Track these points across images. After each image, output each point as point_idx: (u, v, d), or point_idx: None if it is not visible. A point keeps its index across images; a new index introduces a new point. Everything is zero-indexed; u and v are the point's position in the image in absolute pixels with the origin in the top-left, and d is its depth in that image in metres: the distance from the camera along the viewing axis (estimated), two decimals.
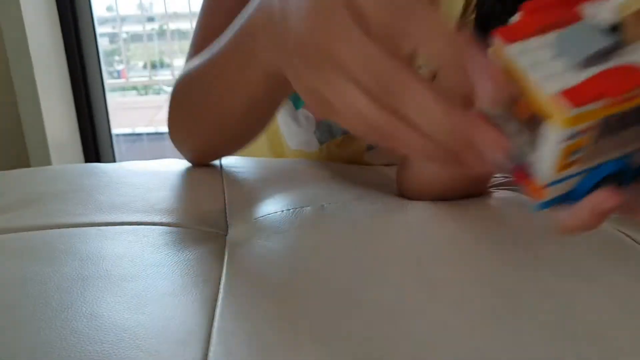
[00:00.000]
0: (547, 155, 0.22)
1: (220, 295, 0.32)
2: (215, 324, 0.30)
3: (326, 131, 0.64)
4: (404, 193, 0.48)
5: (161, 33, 2.44)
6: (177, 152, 0.52)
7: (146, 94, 3.20)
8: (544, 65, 0.21)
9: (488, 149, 0.23)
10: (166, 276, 0.35)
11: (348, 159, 0.64)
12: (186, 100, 0.47)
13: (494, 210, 0.43)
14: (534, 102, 0.21)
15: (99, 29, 1.58)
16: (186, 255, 0.37)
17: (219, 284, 0.34)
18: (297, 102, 0.63)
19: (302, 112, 0.63)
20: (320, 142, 0.65)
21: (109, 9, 2.26)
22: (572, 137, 0.21)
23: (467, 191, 0.45)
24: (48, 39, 1.44)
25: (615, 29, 0.21)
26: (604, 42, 0.21)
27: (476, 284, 0.33)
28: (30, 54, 1.32)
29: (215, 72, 0.43)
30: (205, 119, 0.46)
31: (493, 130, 0.23)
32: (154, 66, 2.73)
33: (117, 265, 0.36)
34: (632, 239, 0.38)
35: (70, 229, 0.40)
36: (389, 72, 0.24)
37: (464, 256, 0.37)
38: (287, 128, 0.64)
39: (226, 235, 0.42)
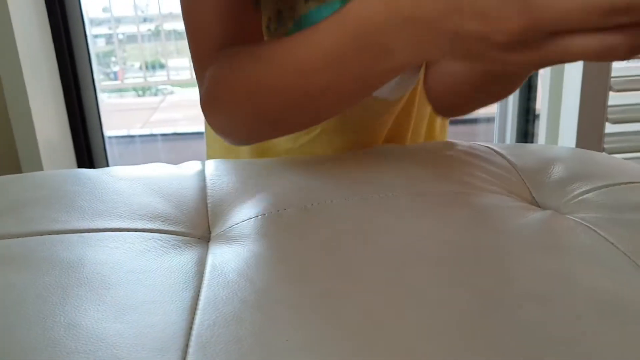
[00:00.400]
0: None
1: (201, 303, 0.32)
2: (194, 331, 0.30)
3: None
4: (432, 94, 0.47)
5: (157, 34, 2.44)
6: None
7: (143, 94, 3.20)
8: None
9: None
10: (147, 283, 0.34)
11: None
12: (264, 99, 0.47)
13: (479, 212, 0.43)
14: None
15: (96, 30, 1.58)
16: (168, 262, 0.37)
17: (200, 291, 0.34)
18: None
19: None
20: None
21: (104, 10, 2.25)
22: None
23: (495, 93, 0.45)
24: (37, 40, 1.43)
25: None
26: None
27: (457, 286, 0.33)
28: (18, 55, 1.31)
29: (327, 75, 0.42)
30: (297, 112, 0.46)
31: None
32: (151, 67, 2.72)
33: (97, 273, 0.35)
34: (615, 245, 0.38)
35: (52, 236, 0.40)
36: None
37: (445, 258, 0.37)
38: None
39: (209, 240, 0.41)
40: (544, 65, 0.33)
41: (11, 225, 0.41)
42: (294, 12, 0.58)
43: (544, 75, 1.46)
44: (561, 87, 1.36)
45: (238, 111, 0.50)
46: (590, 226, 0.40)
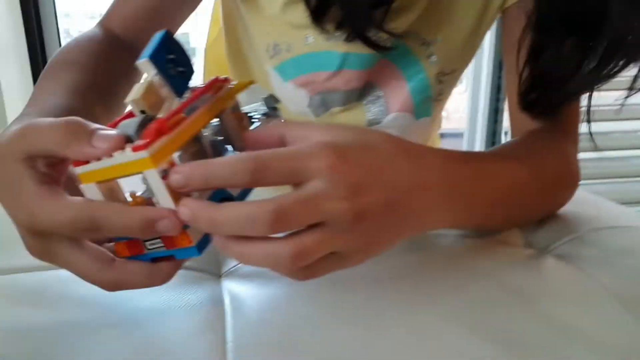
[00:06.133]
0: (161, 196, 0.30)
1: (229, 345, 0.33)
2: None
3: (320, 105, 0.64)
4: None
5: None
6: None
7: None
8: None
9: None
10: (169, 324, 0.35)
11: None
12: None
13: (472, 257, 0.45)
14: (125, 171, 0.30)
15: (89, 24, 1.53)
16: (185, 300, 0.38)
17: (225, 333, 0.34)
18: (284, 74, 0.63)
19: (290, 85, 0.63)
20: (316, 116, 0.65)
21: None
22: (166, 172, 0.29)
23: None
24: (10, 37, 1.39)
25: (143, 112, 0.31)
26: (140, 119, 0.31)
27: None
28: None
29: None
30: None
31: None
32: None
33: (115, 311, 0.36)
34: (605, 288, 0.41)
35: (65, 271, 0.39)
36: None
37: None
38: (282, 96, 0.66)
39: (220, 276, 0.42)
40: None
41: (21, 257, 0.41)
42: (291, 49, 0.60)
43: None
44: None
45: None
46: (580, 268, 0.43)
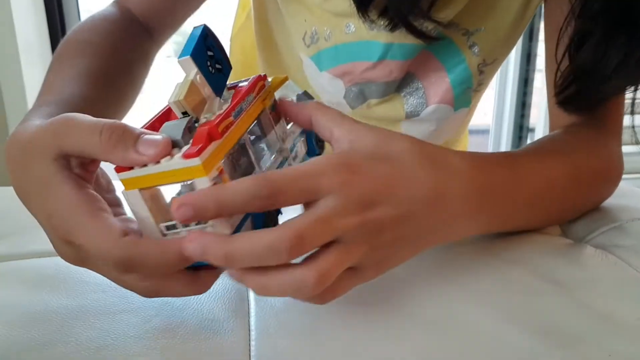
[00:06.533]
0: None
1: (252, 334, 0.32)
2: None
3: (357, 97, 0.62)
4: None
5: None
6: None
7: None
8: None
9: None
10: (194, 311, 0.34)
11: (386, 122, 0.64)
12: None
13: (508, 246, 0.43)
14: (173, 178, 0.28)
15: None
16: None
17: (249, 319, 0.33)
18: (320, 64, 0.61)
19: (326, 75, 0.62)
20: (352, 108, 0.64)
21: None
22: (217, 180, 0.28)
23: None
24: (35, 38, 1.41)
25: (185, 113, 0.30)
26: (185, 122, 0.29)
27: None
28: (19, 53, 1.29)
29: None
30: None
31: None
32: None
33: (134, 297, 0.35)
34: None
35: None
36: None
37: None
38: (317, 86, 0.64)
39: None
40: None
41: (40, 242, 0.40)
42: (330, 38, 0.59)
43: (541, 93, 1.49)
44: None
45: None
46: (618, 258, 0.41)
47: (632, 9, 0.43)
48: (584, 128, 0.51)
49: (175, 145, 0.29)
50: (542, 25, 0.59)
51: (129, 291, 0.31)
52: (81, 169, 0.31)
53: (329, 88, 0.63)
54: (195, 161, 0.26)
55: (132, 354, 0.30)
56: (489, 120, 1.69)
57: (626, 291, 0.37)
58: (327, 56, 0.60)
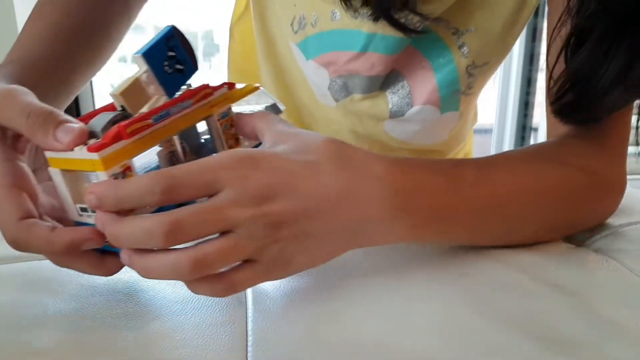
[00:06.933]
0: None
1: (250, 339, 0.32)
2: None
3: (341, 89, 0.62)
4: None
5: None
6: None
7: None
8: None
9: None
10: (191, 315, 0.34)
11: (369, 119, 0.63)
12: None
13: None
14: (81, 166, 0.30)
15: None
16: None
17: (246, 324, 0.33)
18: (307, 51, 0.61)
19: (312, 64, 0.61)
20: (336, 100, 0.63)
21: None
22: (118, 176, 0.30)
23: None
24: None
25: (123, 108, 0.32)
26: (111, 117, 0.31)
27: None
28: None
29: None
30: None
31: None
32: None
33: (138, 301, 0.35)
34: None
35: None
36: None
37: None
38: (306, 75, 0.64)
39: None
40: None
41: None
42: (317, 24, 0.58)
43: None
44: None
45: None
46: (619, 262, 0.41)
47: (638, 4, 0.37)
48: (581, 138, 0.46)
49: (93, 136, 0.31)
50: (544, 24, 0.58)
51: (126, 296, 0.32)
52: (14, 139, 0.33)
53: (315, 78, 0.62)
54: (94, 155, 0.29)
55: (128, 359, 0.30)
56: (491, 120, 1.69)
57: (627, 296, 0.37)
58: (313, 43, 0.60)
